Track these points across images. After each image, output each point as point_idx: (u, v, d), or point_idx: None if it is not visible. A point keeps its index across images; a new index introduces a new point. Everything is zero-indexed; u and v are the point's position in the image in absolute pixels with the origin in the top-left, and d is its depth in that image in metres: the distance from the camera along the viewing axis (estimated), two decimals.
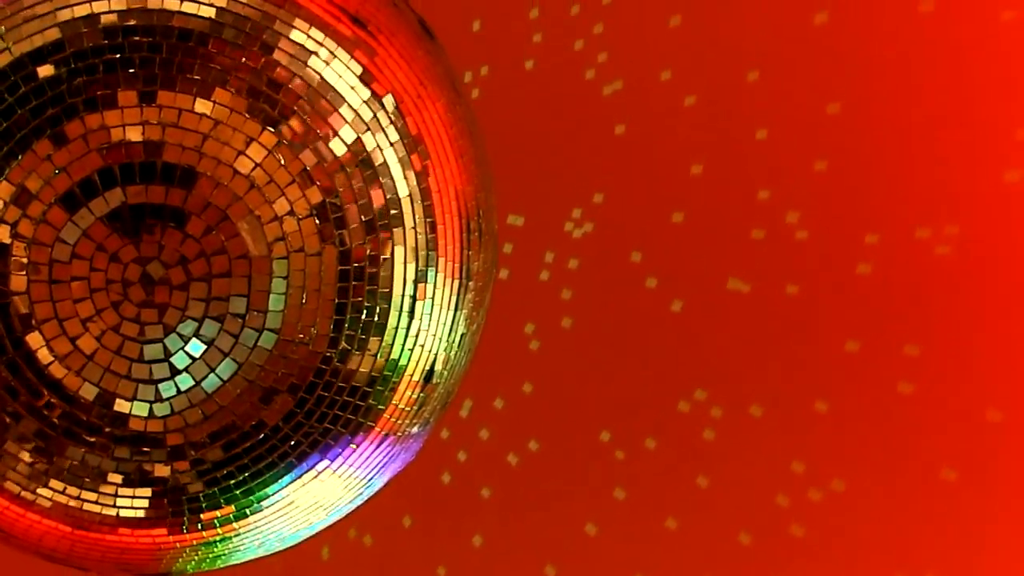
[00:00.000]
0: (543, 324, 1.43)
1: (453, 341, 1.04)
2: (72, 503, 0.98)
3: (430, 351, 1.02)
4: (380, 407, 1.01)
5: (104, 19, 0.95)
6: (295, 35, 0.97)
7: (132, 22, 0.95)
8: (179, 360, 0.95)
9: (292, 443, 0.98)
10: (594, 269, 1.42)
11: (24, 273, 0.93)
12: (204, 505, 1.00)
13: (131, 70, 0.94)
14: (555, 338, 1.44)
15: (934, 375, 1.35)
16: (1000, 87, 1.30)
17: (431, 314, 1.01)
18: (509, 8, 1.36)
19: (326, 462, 1.01)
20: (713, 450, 1.41)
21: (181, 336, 0.95)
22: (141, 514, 0.99)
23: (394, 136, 0.99)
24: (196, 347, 0.95)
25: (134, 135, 0.94)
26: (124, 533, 1.01)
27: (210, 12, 0.96)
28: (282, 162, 0.95)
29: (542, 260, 1.42)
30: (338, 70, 0.98)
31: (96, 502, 0.99)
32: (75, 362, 0.95)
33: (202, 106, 0.94)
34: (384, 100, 0.99)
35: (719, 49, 1.34)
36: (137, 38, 0.95)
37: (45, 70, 0.94)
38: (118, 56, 0.94)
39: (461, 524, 1.44)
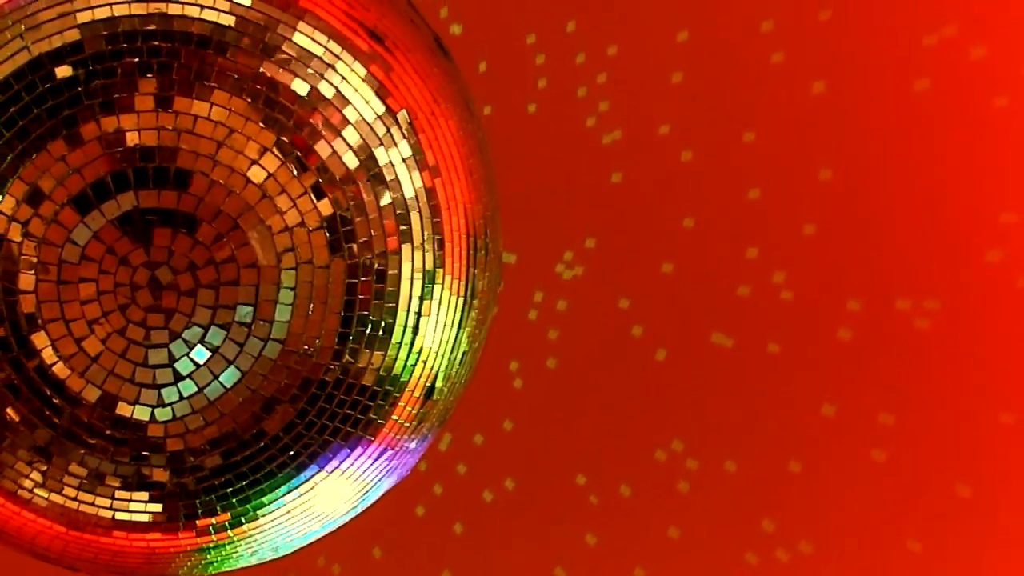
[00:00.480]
0: (528, 363, 1.44)
1: (455, 358, 1.04)
2: (69, 504, 0.98)
3: (432, 367, 1.02)
4: (380, 421, 1.01)
5: (123, 23, 0.95)
6: (313, 47, 0.97)
7: (152, 27, 0.95)
8: (183, 366, 0.95)
9: (291, 453, 0.98)
10: (582, 313, 1.43)
11: (33, 272, 0.93)
12: (200, 511, 1.00)
13: (148, 75, 0.94)
14: (539, 378, 1.45)
15: (907, 445, 1.36)
16: (988, 170, 1.31)
17: (435, 331, 1.02)
18: (515, 53, 1.37)
19: (323, 474, 1.01)
20: (686, 502, 1.42)
21: (186, 342, 0.95)
22: (137, 518, 0.99)
23: (407, 152, 0.99)
24: (201, 354, 0.95)
25: (149, 139, 0.94)
26: (119, 536, 1.00)
27: (230, 20, 0.96)
28: (295, 173, 0.95)
29: (531, 299, 1.43)
30: (354, 83, 0.98)
31: (93, 504, 0.99)
32: (79, 363, 0.95)
33: (218, 113, 0.95)
34: (398, 116, 0.99)
35: (718, 109, 1.35)
36: (156, 43, 0.95)
37: (63, 71, 0.94)
38: (136, 60, 0.95)
39: (431, 558, 1.45)
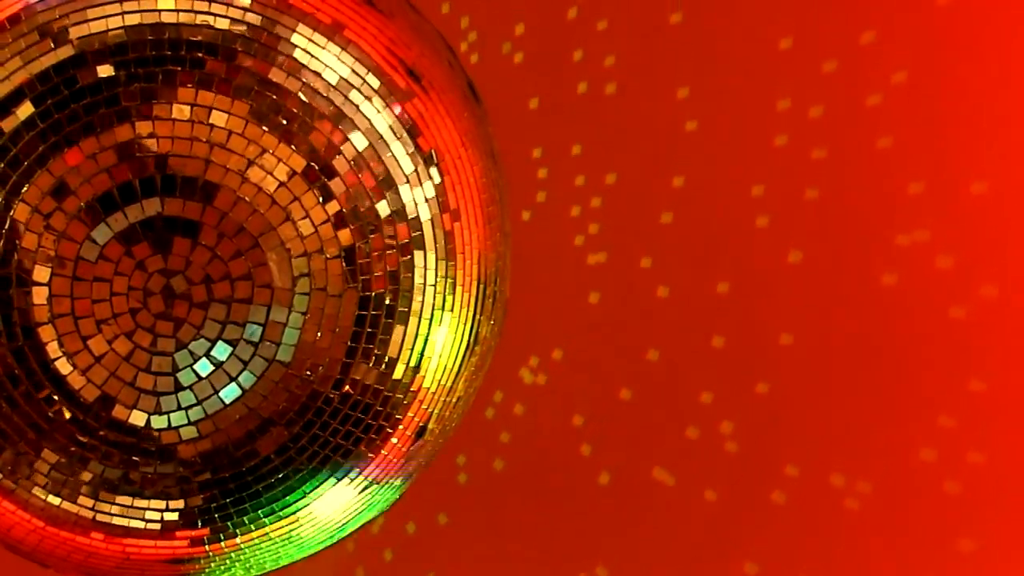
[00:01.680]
0: (475, 460, 1.46)
1: (450, 401, 1.05)
2: (51, 499, 0.98)
3: (427, 408, 1.03)
4: (370, 455, 1.02)
5: (170, 31, 0.96)
6: (352, 78, 0.98)
7: (198, 38, 0.96)
8: (185, 377, 0.96)
9: (279, 476, 0.99)
10: (537, 421, 1.45)
11: (49, 265, 0.93)
12: (180, 523, 1.00)
13: (188, 84, 0.95)
14: (484, 477, 1.46)
15: None
16: (940, 348, 1.34)
17: (435, 372, 1.02)
18: (514, 164, 1.40)
19: (307, 500, 1.01)
20: None
21: (192, 353, 0.95)
22: (116, 521, 0.99)
23: (430, 192, 1.00)
24: (204, 366, 0.95)
25: (181, 148, 0.94)
26: (95, 537, 1.00)
27: (266, 54, 0.97)
28: (320, 200, 0.96)
29: (490, 398, 1.44)
30: (388, 119, 0.99)
31: (75, 502, 0.98)
32: (82, 361, 0.95)
33: (252, 132, 0.95)
34: (427, 156, 1.00)
35: (698, 257, 1.38)
36: (200, 54, 0.96)
37: (104, 69, 0.95)
38: (178, 68, 0.95)
39: None
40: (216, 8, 0.97)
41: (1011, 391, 1.28)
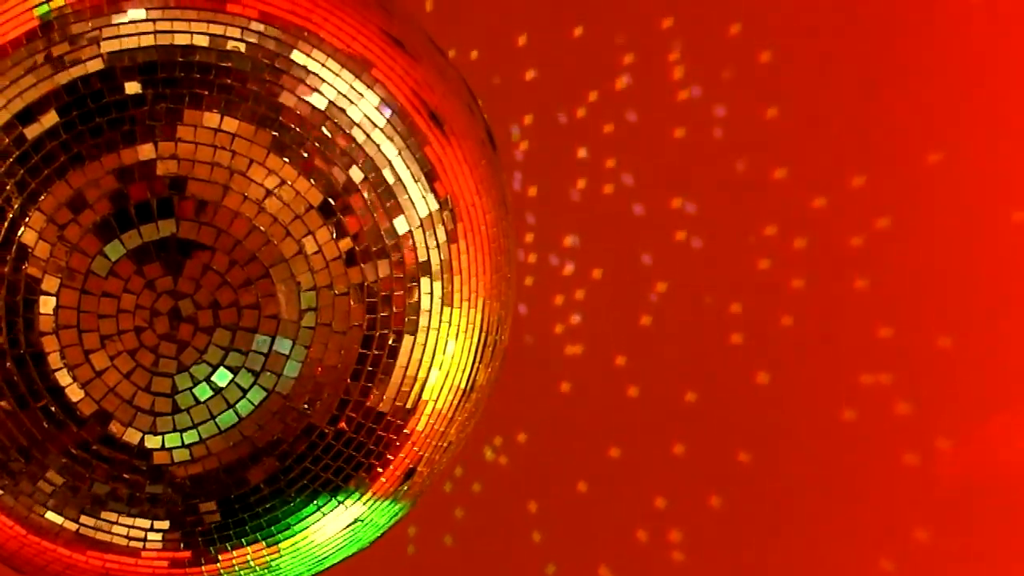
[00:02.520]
0: (426, 533, 1.47)
1: (441, 446, 1.05)
2: (36, 508, 0.98)
3: (418, 451, 1.03)
4: (357, 493, 1.02)
5: (200, 54, 0.96)
6: (376, 117, 0.99)
7: (227, 64, 0.96)
8: (183, 399, 0.96)
9: (266, 506, 0.99)
10: (493, 502, 1.46)
11: (59, 276, 0.94)
12: (162, 543, 1.00)
13: (214, 109, 0.95)
14: (432, 552, 1.47)
15: None
16: (890, 491, 1.37)
17: (429, 416, 1.03)
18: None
19: (291, 532, 1.01)
20: None
21: (192, 376, 0.96)
22: (100, 537, 0.99)
23: (442, 237, 1.01)
24: (204, 391, 0.96)
25: (202, 172, 0.95)
26: (76, 550, 1.00)
27: (293, 85, 0.97)
28: (333, 236, 0.96)
29: (452, 473, 1.46)
30: (407, 160, 1.00)
31: (60, 513, 0.98)
32: (83, 375, 0.95)
33: (273, 162, 0.96)
34: (442, 200, 1.01)
35: (668, 359, 1.42)
36: (228, 80, 0.96)
37: (132, 86, 0.95)
38: (206, 93, 0.96)
39: None
40: (248, 36, 0.97)
41: (954, 544, 1.31)
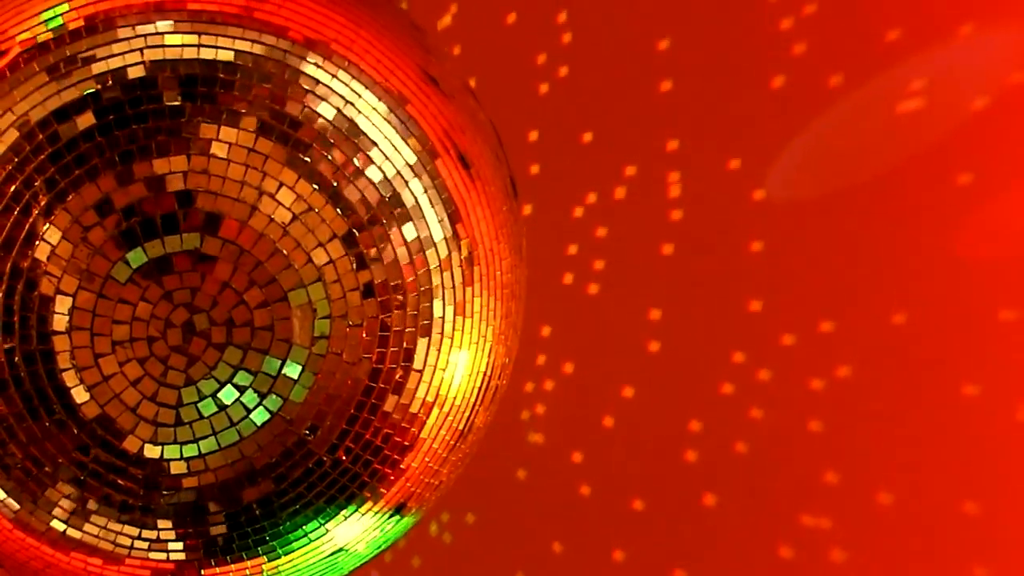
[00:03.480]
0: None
1: (432, 484, 1.06)
2: (26, 505, 0.98)
3: (410, 487, 1.04)
4: (346, 522, 1.02)
5: (242, 74, 0.97)
6: (407, 154, 1.00)
7: (267, 86, 0.97)
8: (187, 412, 0.96)
9: (256, 527, 0.99)
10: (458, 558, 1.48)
11: (78, 278, 0.94)
12: (147, 552, 1.00)
13: (251, 130, 0.96)
14: None
15: None
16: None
17: (424, 454, 1.03)
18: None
19: (276, 553, 1.01)
20: None
21: (199, 391, 0.96)
22: (87, 540, 0.99)
23: (458, 279, 1.02)
24: (208, 406, 0.96)
25: (231, 190, 0.95)
26: (59, 549, 1.00)
27: (329, 112, 0.98)
28: (353, 267, 0.97)
29: (410, 564, 1.47)
30: (432, 199, 1.01)
31: (49, 513, 0.98)
32: (90, 378, 0.95)
33: (303, 188, 0.96)
34: (462, 243, 1.02)
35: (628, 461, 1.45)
36: (268, 102, 0.97)
37: (171, 95, 0.96)
38: (243, 112, 0.96)
39: None
40: (290, 60, 0.98)
41: None
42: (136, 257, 0.94)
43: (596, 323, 1.46)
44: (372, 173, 0.98)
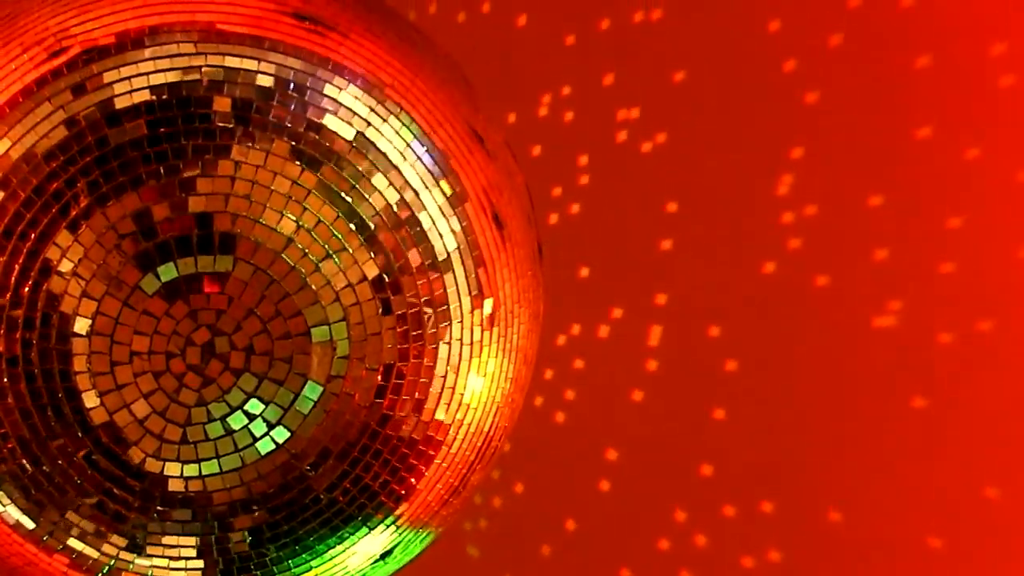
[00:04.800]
0: None
1: (418, 536, 1.06)
2: (18, 500, 0.97)
3: (400, 534, 1.04)
4: (332, 561, 1.02)
5: (297, 106, 0.97)
6: (444, 206, 1.01)
7: (320, 120, 0.97)
8: (193, 432, 0.96)
9: (239, 553, 0.99)
10: None
11: (106, 283, 0.94)
12: (131, 566, 1.00)
13: (297, 163, 0.96)
14: None
15: None
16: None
17: (416, 506, 1.04)
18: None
19: None
20: None
21: (208, 412, 0.96)
22: (72, 543, 0.99)
23: (476, 337, 1.02)
24: (216, 429, 0.96)
25: (271, 219, 0.96)
26: (43, 550, 1.00)
27: (376, 156, 0.98)
28: (379, 311, 0.98)
29: None
30: (464, 255, 1.01)
31: (40, 515, 0.98)
32: (103, 384, 0.95)
33: (340, 226, 0.97)
34: (485, 301, 1.03)
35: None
36: (315, 136, 0.97)
37: (224, 117, 0.96)
38: (291, 144, 0.97)
39: None
40: (344, 99, 0.99)
41: None
42: (167, 271, 0.95)
43: (557, 451, 1.48)
44: (409, 222, 0.99)
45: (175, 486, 0.97)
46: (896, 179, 1.38)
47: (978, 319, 1.37)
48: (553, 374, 1.48)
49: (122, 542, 0.99)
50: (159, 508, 0.97)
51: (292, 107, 0.97)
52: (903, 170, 1.38)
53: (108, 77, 0.97)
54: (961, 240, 1.37)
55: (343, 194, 0.97)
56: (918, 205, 1.38)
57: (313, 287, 0.96)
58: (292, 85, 0.98)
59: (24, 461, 0.96)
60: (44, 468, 0.96)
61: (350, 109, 0.99)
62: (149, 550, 0.99)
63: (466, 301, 1.01)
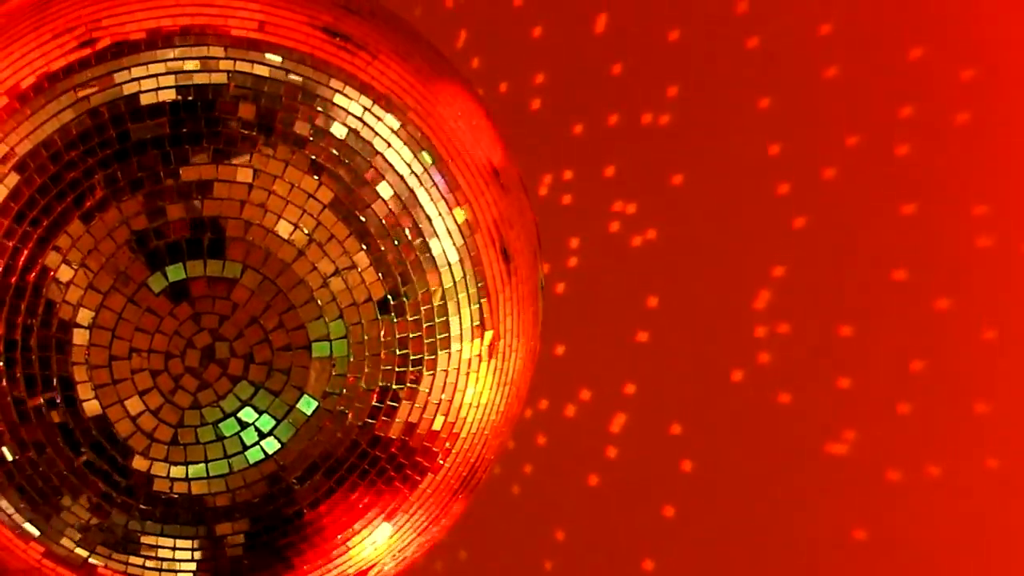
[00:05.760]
0: None
1: (397, 559, 1.06)
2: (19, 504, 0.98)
3: (377, 554, 1.04)
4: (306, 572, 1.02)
5: (320, 121, 0.98)
6: (456, 236, 1.01)
7: (342, 137, 0.98)
8: (184, 434, 0.96)
9: (215, 561, 0.99)
10: None
11: (113, 277, 0.94)
12: (106, 559, 0.99)
13: (316, 177, 0.97)
14: None
15: None
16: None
17: (392, 539, 1.04)
18: None
19: None
20: None
21: (202, 416, 0.96)
22: (50, 533, 0.98)
23: (474, 367, 1.03)
24: (207, 433, 0.96)
25: (284, 230, 0.96)
26: (21, 538, 0.99)
27: (392, 178, 0.99)
28: (381, 333, 0.98)
29: None
30: (469, 285, 1.02)
31: (21, 502, 0.98)
32: (99, 378, 0.95)
33: (351, 244, 0.97)
34: (485, 333, 1.03)
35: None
36: (334, 152, 0.98)
37: (248, 124, 0.96)
38: (313, 157, 0.97)
39: None
40: (368, 118, 0.99)
41: None
42: (175, 272, 0.95)
43: (507, 523, 1.49)
44: (419, 247, 0.99)
45: (160, 486, 0.97)
46: (868, 315, 1.43)
47: (927, 463, 1.40)
48: (516, 446, 1.49)
49: (100, 537, 0.98)
50: (141, 507, 0.97)
51: (315, 120, 0.98)
52: (876, 308, 1.42)
53: (136, 72, 0.97)
54: (921, 384, 1.41)
55: (357, 212, 0.97)
56: (886, 343, 1.42)
57: (319, 302, 0.96)
58: (317, 99, 0.98)
59: (7, 448, 0.96)
60: (29, 454, 0.96)
61: (372, 129, 0.99)
62: (128, 547, 0.98)
63: (467, 331, 1.02)
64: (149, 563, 0.99)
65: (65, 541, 0.99)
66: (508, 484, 1.49)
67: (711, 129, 1.46)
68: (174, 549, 0.98)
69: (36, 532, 0.99)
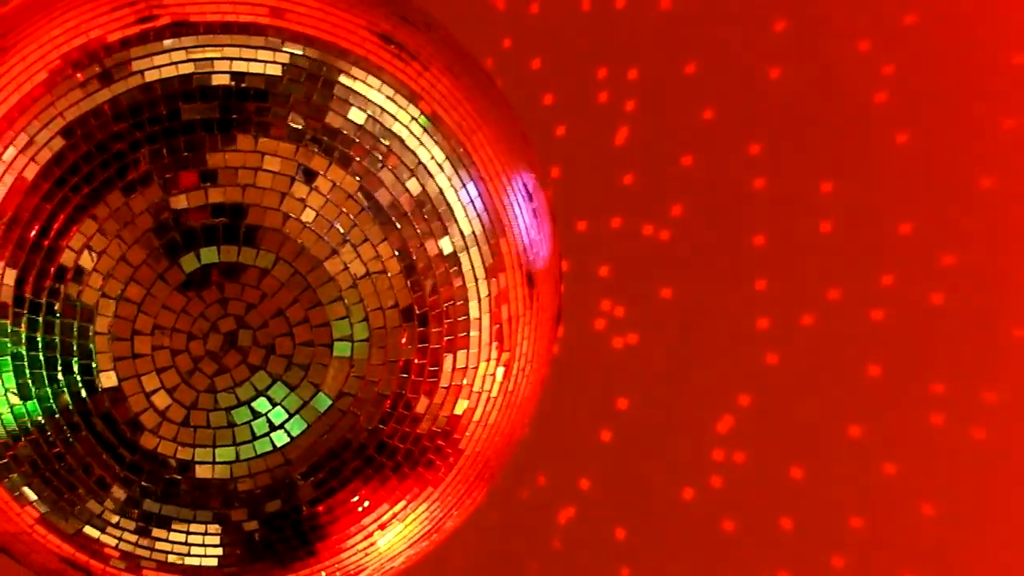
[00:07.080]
0: None
1: (391, 565, 1.06)
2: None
3: (376, 556, 1.04)
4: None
5: (332, 121, 0.99)
6: (485, 253, 1.02)
7: (361, 159, 0.98)
8: (196, 417, 0.96)
9: (222, 554, 0.99)
10: None
11: (145, 252, 0.94)
12: (100, 537, 0.99)
13: (356, 177, 0.97)
14: None
15: None
16: None
17: (392, 540, 1.04)
18: None
19: None
20: None
21: (215, 401, 0.96)
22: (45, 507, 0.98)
23: (486, 386, 1.03)
24: (219, 418, 0.96)
25: (320, 227, 0.96)
26: (15, 506, 0.99)
27: (433, 190, 1.00)
28: (404, 340, 0.98)
29: None
30: (492, 305, 1.02)
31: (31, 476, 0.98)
32: (119, 350, 0.95)
33: (384, 249, 0.97)
34: (501, 355, 1.03)
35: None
36: (355, 159, 0.98)
37: (298, 105, 0.97)
38: (357, 158, 0.98)
39: None
40: (415, 128, 1.00)
41: None
42: (208, 255, 0.95)
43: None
44: (449, 259, 1.00)
45: (165, 465, 0.97)
46: (818, 463, 1.48)
47: None
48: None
49: (97, 507, 0.98)
50: (143, 484, 0.97)
51: (364, 124, 0.98)
52: (825, 459, 1.48)
53: (192, 54, 0.97)
54: (858, 541, 1.46)
55: (394, 219, 0.98)
56: (830, 494, 1.47)
57: (346, 302, 0.97)
58: (369, 103, 0.99)
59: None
60: (39, 420, 0.96)
61: (417, 139, 1.00)
62: (123, 523, 0.98)
63: (485, 350, 1.02)
64: (161, 545, 0.99)
65: (62, 508, 0.99)
66: (450, 551, 1.50)
67: (704, 241, 1.50)
68: (189, 533, 0.98)
69: (33, 496, 0.98)
